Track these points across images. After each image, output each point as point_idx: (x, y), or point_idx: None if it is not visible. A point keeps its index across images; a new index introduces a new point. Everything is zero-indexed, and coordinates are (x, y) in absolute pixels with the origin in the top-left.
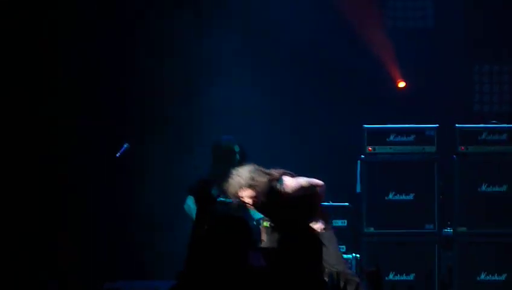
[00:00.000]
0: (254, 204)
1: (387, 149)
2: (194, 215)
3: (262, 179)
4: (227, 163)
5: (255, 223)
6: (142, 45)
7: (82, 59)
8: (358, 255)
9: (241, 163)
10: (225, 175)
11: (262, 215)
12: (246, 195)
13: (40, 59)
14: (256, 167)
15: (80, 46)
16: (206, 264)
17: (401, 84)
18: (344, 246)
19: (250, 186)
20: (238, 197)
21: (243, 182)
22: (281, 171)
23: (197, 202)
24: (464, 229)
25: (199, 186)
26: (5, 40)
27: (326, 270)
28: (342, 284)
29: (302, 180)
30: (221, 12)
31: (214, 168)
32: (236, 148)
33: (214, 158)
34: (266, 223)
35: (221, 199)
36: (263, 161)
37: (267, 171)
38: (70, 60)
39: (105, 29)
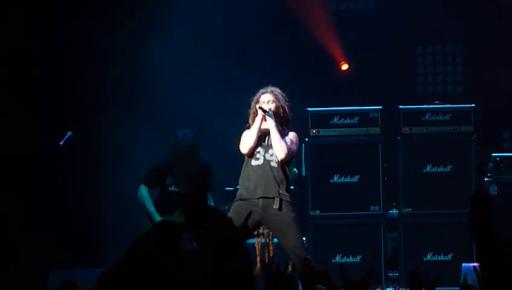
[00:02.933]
0: None
1: (331, 132)
2: (146, 203)
3: None
4: (184, 159)
5: (226, 208)
6: None
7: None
8: (304, 238)
9: (196, 156)
10: (179, 168)
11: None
12: None
13: None
14: None
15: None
16: (139, 249)
17: (344, 67)
18: None
19: None
20: None
21: None
22: None
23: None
24: (409, 210)
25: None
26: None
27: (290, 251)
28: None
29: None
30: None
31: (171, 160)
32: (192, 144)
33: (173, 152)
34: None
35: (173, 189)
36: (208, 143)
37: None
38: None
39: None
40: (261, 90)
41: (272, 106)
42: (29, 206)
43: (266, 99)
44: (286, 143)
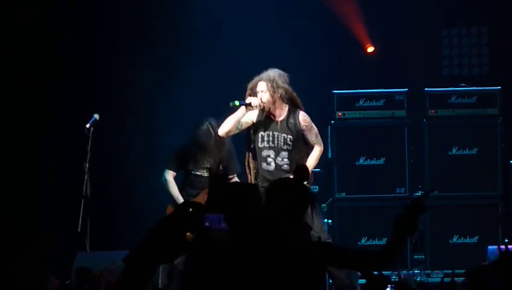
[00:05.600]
0: None
1: (357, 114)
2: (170, 189)
3: None
4: (203, 145)
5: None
6: None
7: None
8: (330, 221)
9: (216, 145)
10: (197, 153)
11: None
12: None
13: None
14: None
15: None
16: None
17: (370, 49)
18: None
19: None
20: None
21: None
22: None
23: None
24: (434, 192)
25: None
26: None
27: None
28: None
29: None
30: None
31: (190, 145)
32: (212, 133)
33: (193, 143)
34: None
35: (196, 172)
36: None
37: None
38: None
39: None
40: (257, 78)
41: (265, 96)
42: (55, 190)
43: (260, 90)
44: (319, 145)
